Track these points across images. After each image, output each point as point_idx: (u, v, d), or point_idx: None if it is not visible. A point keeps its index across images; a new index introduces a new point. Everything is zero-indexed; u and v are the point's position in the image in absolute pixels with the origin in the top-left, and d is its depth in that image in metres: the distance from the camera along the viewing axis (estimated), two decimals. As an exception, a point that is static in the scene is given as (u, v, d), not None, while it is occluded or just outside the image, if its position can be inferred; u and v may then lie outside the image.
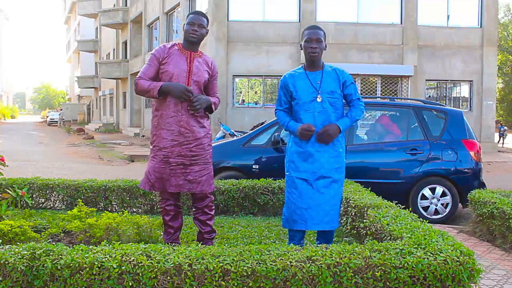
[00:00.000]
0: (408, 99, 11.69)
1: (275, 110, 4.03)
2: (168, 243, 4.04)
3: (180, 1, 22.12)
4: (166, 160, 3.94)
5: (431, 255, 2.78)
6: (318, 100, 3.80)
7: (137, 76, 4.01)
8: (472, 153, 6.72)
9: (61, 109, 53.30)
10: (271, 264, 2.67)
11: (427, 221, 3.74)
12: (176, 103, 3.92)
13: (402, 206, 4.29)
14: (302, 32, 3.93)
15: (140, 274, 2.63)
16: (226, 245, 4.10)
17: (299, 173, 3.81)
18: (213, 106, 4.01)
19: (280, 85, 3.99)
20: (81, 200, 5.14)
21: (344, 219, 4.95)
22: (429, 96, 19.95)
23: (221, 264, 2.65)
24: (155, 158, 4.00)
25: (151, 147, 4.07)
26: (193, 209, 4.17)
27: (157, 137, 3.99)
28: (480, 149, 6.86)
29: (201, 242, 4.11)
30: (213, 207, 4.18)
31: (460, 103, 20.14)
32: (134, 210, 6.06)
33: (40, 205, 6.21)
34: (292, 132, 3.89)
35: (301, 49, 3.91)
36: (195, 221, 4.16)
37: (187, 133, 3.92)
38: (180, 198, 4.19)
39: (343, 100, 3.96)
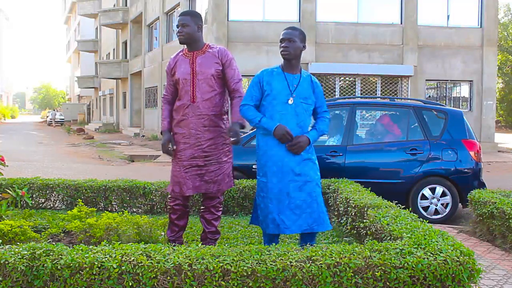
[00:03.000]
0: (408, 99, 11.70)
1: (242, 104, 3.84)
2: (170, 240, 4.05)
3: (180, 1, 22.12)
4: (180, 163, 3.97)
5: (431, 255, 2.78)
6: (290, 102, 3.76)
7: (163, 93, 4.18)
8: (472, 153, 6.72)
9: (53, 109, 54.40)
10: (271, 264, 2.67)
11: (427, 221, 3.74)
12: (183, 107, 3.96)
13: (402, 206, 4.29)
14: None
15: (140, 274, 2.63)
16: (226, 245, 4.10)
17: (269, 177, 3.74)
18: (241, 122, 3.87)
19: (254, 81, 3.86)
20: (81, 200, 5.14)
21: (344, 219, 4.96)
22: (429, 96, 19.95)
23: (221, 264, 2.65)
24: (172, 162, 4.08)
25: None
26: (201, 207, 4.19)
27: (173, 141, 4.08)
28: (480, 149, 6.86)
29: (204, 241, 4.14)
30: (221, 208, 4.18)
31: (460, 103, 20.13)
32: (134, 210, 6.06)
33: (40, 205, 6.21)
34: (265, 130, 3.74)
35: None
36: (201, 219, 4.17)
37: (197, 134, 3.93)
38: (189, 199, 4.19)
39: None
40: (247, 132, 7.65)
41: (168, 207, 4.18)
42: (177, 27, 3.98)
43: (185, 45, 4.08)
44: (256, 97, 3.83)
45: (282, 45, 3.80)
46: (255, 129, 7.71)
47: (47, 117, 51.68)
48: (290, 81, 3.82)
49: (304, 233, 3.82)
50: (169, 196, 4.12)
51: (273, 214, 3.71)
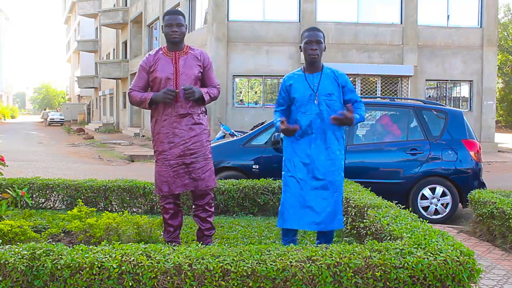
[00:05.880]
0: (408, 99, 11.69)
1: (274, 111, 4.06)
2: (168, 242, 4.06)
3: (180, 1, 22.12)
4: (167, 163, 4.00)
5: (431, 255, 2.78)
6: (315, 102, 3.81)
7: (129, 88, 4.12)
8: (472, 153, 6.71)
9: (45, 109, 55.44)
10: (271, 264, 2.67)
11: (427, 221, 3.74)
12: (165, 106, 3.99)
13: (402, 206, 4.29)
14: (301, 34, 3.93)
15: (140, 274, 2.63)
16: (226, 245, 4.10)
17: (293, 172, 3.83)
18: (205, 96, 3.96)
19: (280, 88, 4.01)
20: (81, 200, 5.14)
21: (344, 219, 4.95)
22: (429, 96, 19.95)
23: (221, 264, 2.65)
24: (157, 162, 4.09)
25: (153, 151, 4.16)
26: (193, 207, 4.21)
27: (156, 141, 4.08)
28: (480, 149, 6.86)
29: (201, 239, 4.17)
30: (213, 204, 4.22)
31: (460, 103, 20.13)
32: (134, 210, 6.06)
33: (40, 205, 6.21)
34: (277, 129, 3.91)
35: (301, 50, 3.91)
36: (195, 218, 4.20)
37: (181, 133, 3.98)
38: (179, 196, 4.22)
39: (342, 103, 3.91)
40: (247, 132, 7.63)
41: (160, 207, 4.20)
42: (169, 27, 3.94)
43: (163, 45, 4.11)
44: (280, 102, 3.96)
45: (312, 47, 3.78)
46: (255, 129, 7.72)
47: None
48: (310, 81, 3.86)
49: (319, 232, 3.92)
50: (160, 196, 4.14)
51: (293, 208, 3.77)
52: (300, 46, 3.90)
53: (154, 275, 2.63)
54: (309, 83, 3.85)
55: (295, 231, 3.92)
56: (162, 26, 4.04)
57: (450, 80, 19.77)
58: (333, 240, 4.69)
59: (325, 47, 3.90)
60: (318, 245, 3.79)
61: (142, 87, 4.08)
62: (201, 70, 4.04)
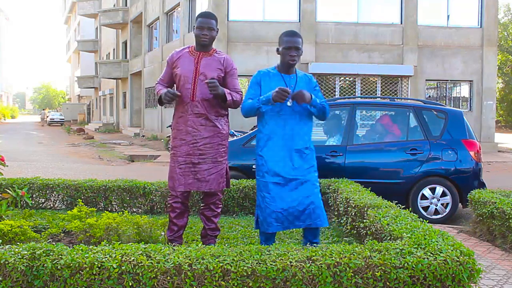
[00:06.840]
0: (408, 99, 11.69)
1: (243, 102, 3.98)
2: (169, 240, 4.07)
3: (180, 1, 22.13)
4: (175, 159, 4.05)
5: (431, 255, 2.78)
6: (289, 104, 3.81)
7: (159, 78, 4.23)
8: (472, 153, 6.71)
9: (43, 109, 57.57)
10: (271, 264, 2.67)
11: (427, 221, 3.74)
12: (183, 104, 4.02)
13: (402, 206, 4.29)
14: (280, 36, 3.91)
15: (140, 274, 2.63)
16: (226, 245, 4.10)
17: (271, 177, 3.82)
18: (227, 95, 3.93)
19: (252, 81, 3.97)
20: (81, 200, 5.14)
21: (344, 219, 4.96)
22: (429, 96, 19.95)
23: (221, 264, 2.65)
24: (170, 157, 4.15)
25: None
26: (201, 204, 4.27)
27: (171, 137, 4.17)
28: (480, 149, 6.86)
29: (204, 238, 4.20)
30: (220, 205, 4.25)
31: (460, 103, 20.13)
32: (134, 210, 6.06)
33: (40, 205, 6.20)
34: (266, 102, 3.77)
35: (278, 53, 3.91)
36: (201, 216, 4.23)
37: (194, 132, 4.00)
38: (188, 197, 4.23)
39: None
40: (247, 132, 7.63)
41: (168, 205, 4.22)
42: (200, 29, 4.00)
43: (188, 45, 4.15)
44: (254, 94, 3.92)
45: (291, 53, 3.83)
46: (255, 129, 7.72)
47: (47, 117, 51.84)
48: (287, 81, 3.90)
49: (306, 229, 3.93)
50: (169, 194, 4.17)
51: (276, 212, 3.78)
52: (278, 49, 3.90)
53: (154, 275, 2.63)
54: (287, 83, 3.88)
55: (275, 234, 3.97)
56: (194, 26, 4.10)
57: (450, 80, 19.78)
58: (333, 240, 4.71)
59: (302, 51, 3.92)
60: (311, 243, 3.84)
61: (167, 81, 4.17)
62: (222, 75, 4.06)
